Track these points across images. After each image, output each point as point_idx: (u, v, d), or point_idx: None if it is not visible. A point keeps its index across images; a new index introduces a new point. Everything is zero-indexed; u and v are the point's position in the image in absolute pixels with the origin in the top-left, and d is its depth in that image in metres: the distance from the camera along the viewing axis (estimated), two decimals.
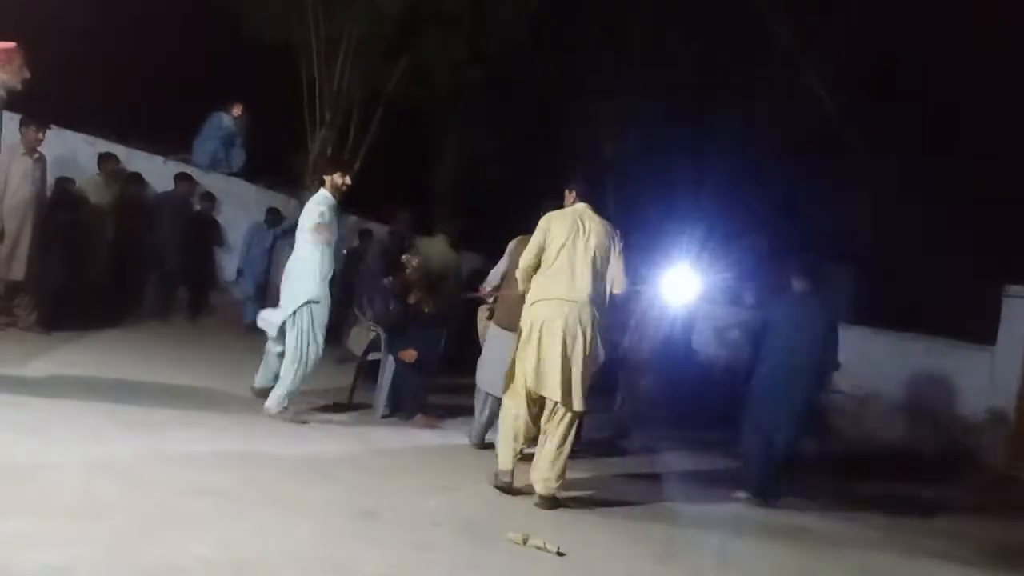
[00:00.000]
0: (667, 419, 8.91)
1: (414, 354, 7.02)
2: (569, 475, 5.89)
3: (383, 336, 7.21)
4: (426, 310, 7.31)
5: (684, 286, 9.13)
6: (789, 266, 7.02)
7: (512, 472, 5.37)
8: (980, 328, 10.77)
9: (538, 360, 5.19)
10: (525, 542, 4.32)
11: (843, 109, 13.08)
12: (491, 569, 3.96)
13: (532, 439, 5.45)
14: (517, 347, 5.34)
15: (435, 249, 8.04)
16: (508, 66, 12.37)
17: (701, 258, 11.31)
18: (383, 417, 6.98)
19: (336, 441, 5.89)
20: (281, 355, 6.36)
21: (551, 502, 5.22)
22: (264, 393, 6.36)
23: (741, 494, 6.57)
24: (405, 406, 7.09)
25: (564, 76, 13.69)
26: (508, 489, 5.34)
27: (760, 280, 10.87)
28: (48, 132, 7.85)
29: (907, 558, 5.76)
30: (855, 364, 11.40)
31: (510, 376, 5.42)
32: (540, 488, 5.23)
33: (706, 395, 9.77)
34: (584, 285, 5.23)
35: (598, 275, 5.29)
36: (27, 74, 5.24)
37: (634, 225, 13.79)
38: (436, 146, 14.74)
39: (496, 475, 5.40)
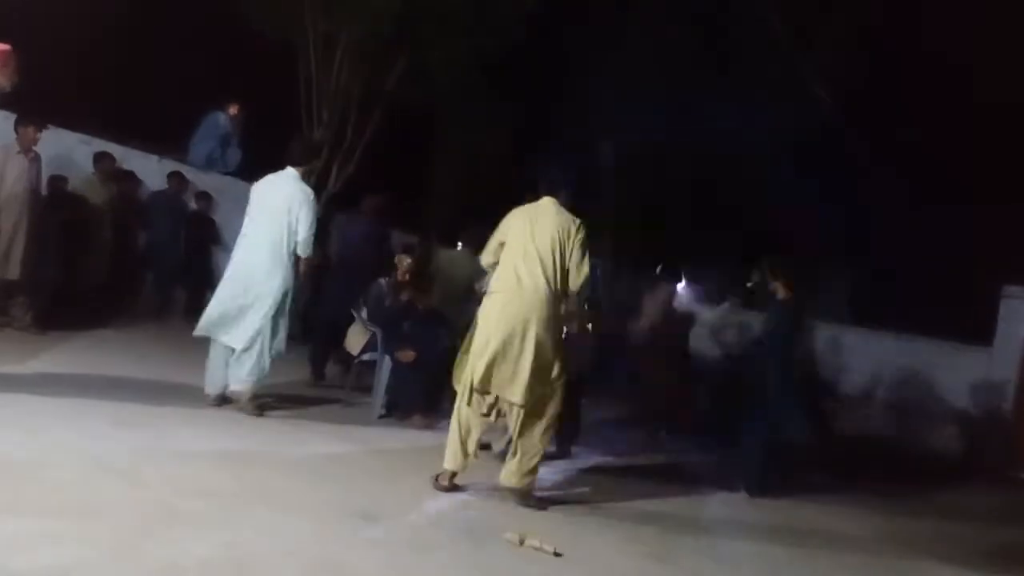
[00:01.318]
0: (665, 418, 8.91)
1: (412, 355, 7.00)
2: (563, 476, 5.92)
3: (379, 335, 7.19)
4: (420, 307, 7.30)
5: (681, 285, 9.17)
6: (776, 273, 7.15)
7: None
8: (978, 329, 10.80)
9: (504, 360, 5.01)
10: (522, 542, 4.31)
11: (842, 107, 13.09)
12: (488, 569, 3.96)
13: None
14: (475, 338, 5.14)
15: (462, 263, 7.96)
16: (507, 65, 12.37)
17: (697, 257, 11.31)
18: (380, 417, 6.97)
19: (333, 441, 5.88)
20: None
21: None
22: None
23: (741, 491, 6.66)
24: (402, 406, 7.07)
25: (563, 75, 13.70)
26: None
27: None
28: (44, 133, 7.83)
29: (905, 558, 5.77)
30: (853, 365, 11.48)
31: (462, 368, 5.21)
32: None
33: (701, 394, 9.81)
34: (537, 279, 5.09)
35: (552, 268, 5.12)
36: (17, 78, 5.21)
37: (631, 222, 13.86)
38: (435, 145, 14.73)
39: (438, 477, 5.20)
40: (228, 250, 10.78)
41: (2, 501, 3.58)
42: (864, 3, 12.86)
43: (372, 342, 7.30)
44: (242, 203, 10.90)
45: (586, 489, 6.04)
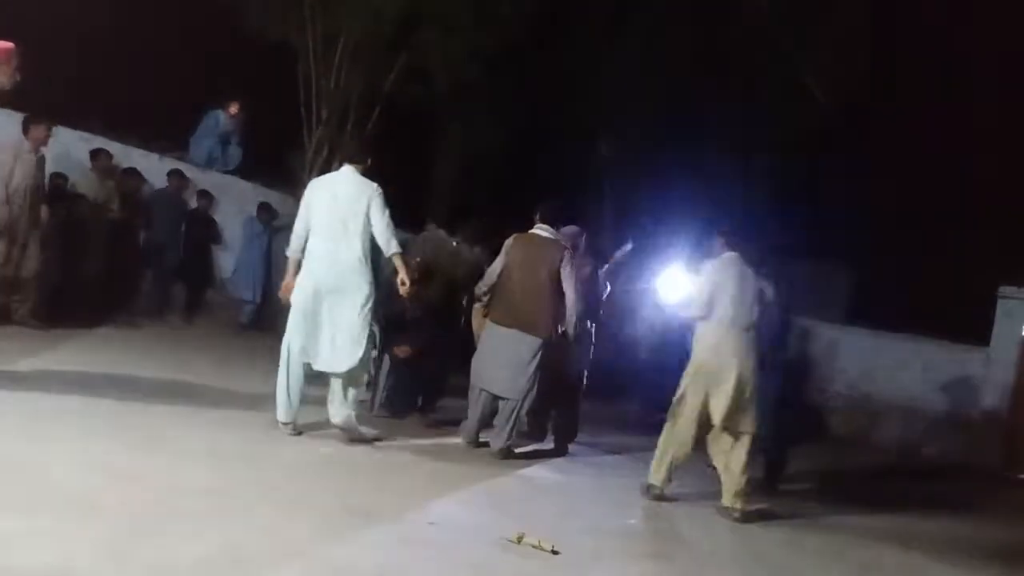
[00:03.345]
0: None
1: (407, 350, 7.00)
2: (561, 474, 5.93)
3: (378, 334, 7.19)
4: (422, 306, 7.29)
5: (678, 285, 9.15)
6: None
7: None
8: (975, 329, 10.82)
9: None
10: (520, 541, 4.32)
11: (839, 108, 13.10)
12: (487, 567, 3.97)
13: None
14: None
15: (461, 256, 7.85)
16: (507, 64, 12.37)
17: (696, 257, 11.28)
18: (378, 416, 6.98)
19: (331, 440, 5.87)
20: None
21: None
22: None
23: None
24: (400, 404, 7.08)
25: (562, 74, 13.70)
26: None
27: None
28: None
29: (904, 558, 5.78)
30: (851, 365, 11.50)
31: None
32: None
33: None
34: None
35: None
36: (18, 77, 5.21)
37: (630, 223, 13.86)
38: (434, 145, 14.73)
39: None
40: (228, 249, 10.89)
41: (0, 499, 3.60)
42: (864, 5, 12.88)
43: (371, 340, 7.28)
44: (242, 202, 11.06)
45: (584, 486, 6.05)
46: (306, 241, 5.76)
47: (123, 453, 4.55)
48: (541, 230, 6.52)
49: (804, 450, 9.32)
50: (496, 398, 6.34)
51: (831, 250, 13.41)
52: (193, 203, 10.59)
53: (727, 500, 5.79)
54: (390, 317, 7.18)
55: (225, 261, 10.96)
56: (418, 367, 7.02)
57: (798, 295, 7.63)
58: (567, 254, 6.43)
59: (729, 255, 6.04)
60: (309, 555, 3.64)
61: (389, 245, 5.78)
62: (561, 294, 6.36)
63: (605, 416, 8.74)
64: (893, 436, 10.97)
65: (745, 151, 13.29)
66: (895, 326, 11.42)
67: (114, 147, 9.83)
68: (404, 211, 10.57)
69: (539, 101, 13.64)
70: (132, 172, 9.88)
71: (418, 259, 7.48)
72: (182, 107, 11.34)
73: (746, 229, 6.37)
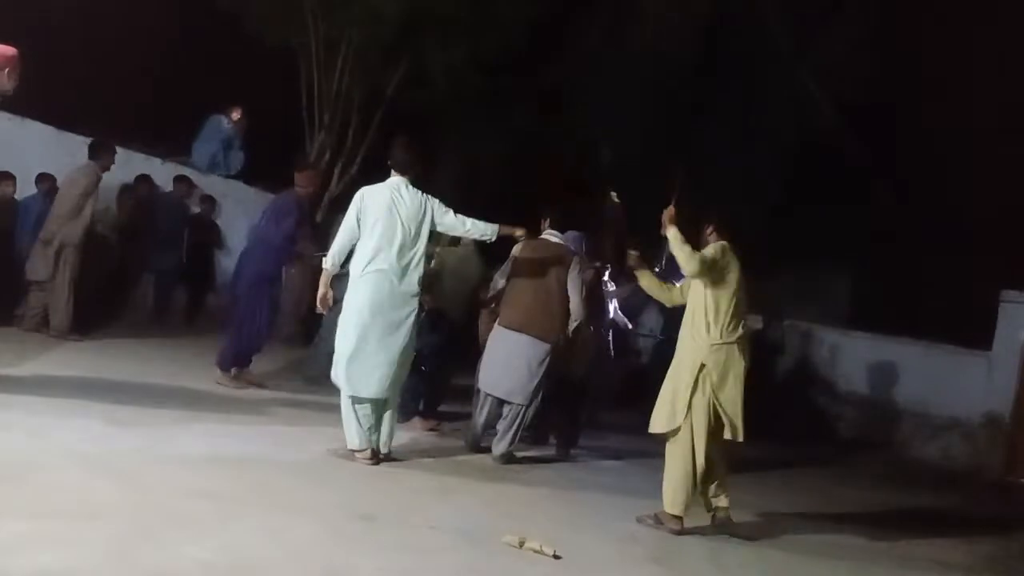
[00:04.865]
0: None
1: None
2: (563, 479, 5.90)
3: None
4: (425, 309, 7.27)
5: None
6: None
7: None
8: (977, 334, 10.79)
9: None
10: (522, 545, 4.32)
11: (841, 113, 13.11)
12: (488, 572, 3.97)
13: None
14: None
15: (470, 259, 7.66)
16: (508, 69, 12.39)
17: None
18: None
19: (333, 443, 5.85)
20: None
21: None
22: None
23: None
24: (402, 408, 7.05)
25: (563, 80, 13.72)
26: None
27: None
28: (48, 135, 8.07)
29: (904, 564, 5.76)
30: (853, 370, 11.49)
31: None
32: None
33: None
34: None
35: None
36: (15, 82, 5.21)
37: (630, 228, 13.85)
38: (435, 149, 14.74)
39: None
40: (231, 254, 10.89)
41: (0, 503, 3.60)
42: (866, 11, 12.89)
43: None
44: (244, 206, 11.07)
45: (586, 491, 6.04)
46: (348, 256, 5.55)
47: (123, 456, 4.56)
48: (550, 235, 6.52)
49: (806, 453, 9.35)
50: (501, 403, 6.33)
51: (833, 253, 13.40)
52: (195, 208, 10.60)
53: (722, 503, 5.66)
54: None
55: (227, 265, 10.96)
56: (421, 371, 7.00)
57: (799, 298, 7.59)
58: (576, 260, 6.44)
59: (724, 244, 5.60)
60: (310, 559, 3.64)
61: (486, 229, 5.85)
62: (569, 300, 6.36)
63: (607, 421, 8.72)
64: (894, 441, 10.95)
65: (746, 154, 13.28)
66: (897, 330, 11.41)
67: (117, 151, 9.83)
68: None
69: (540, 105, 13.66)
70: (144, 178, 9.90)
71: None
72: (184, 111, 11.36)
73: (735, 219, 6.03)
